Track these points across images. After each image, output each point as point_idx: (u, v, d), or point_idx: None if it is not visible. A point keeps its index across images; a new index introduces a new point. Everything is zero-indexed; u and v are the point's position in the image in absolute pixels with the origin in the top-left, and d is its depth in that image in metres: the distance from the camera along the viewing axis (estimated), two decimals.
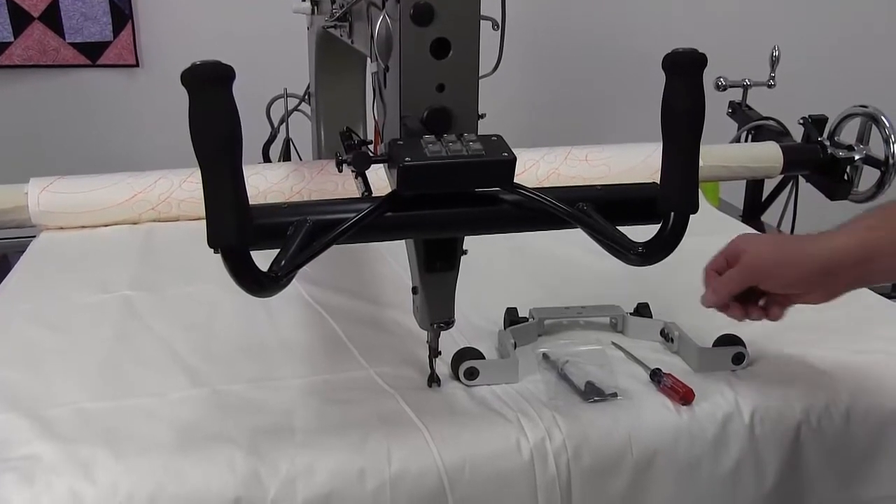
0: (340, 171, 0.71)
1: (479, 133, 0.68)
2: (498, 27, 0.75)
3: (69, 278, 1.11)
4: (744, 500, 0.82)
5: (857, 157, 1.49)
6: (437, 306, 0.78)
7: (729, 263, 0.80)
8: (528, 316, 0.95)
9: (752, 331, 0.86)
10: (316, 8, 1.23)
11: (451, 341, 0.88)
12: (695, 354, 0.87)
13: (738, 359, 0.87)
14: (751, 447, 0.81)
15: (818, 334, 0.92)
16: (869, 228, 0.76)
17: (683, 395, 0.81)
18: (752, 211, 1.69)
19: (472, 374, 0.83)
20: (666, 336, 0.92)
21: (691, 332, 0.89)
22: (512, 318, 0.95)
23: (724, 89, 1.68)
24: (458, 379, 0.84)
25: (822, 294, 0.78)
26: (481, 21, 0.67)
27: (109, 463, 0.71)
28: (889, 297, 1.08)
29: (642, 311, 0.96)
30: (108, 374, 0.87)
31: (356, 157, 0.67)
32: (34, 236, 1.29)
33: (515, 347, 0.88)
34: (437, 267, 0.75)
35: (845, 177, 1.50)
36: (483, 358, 0.84)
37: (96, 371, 0.87)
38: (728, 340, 0.88)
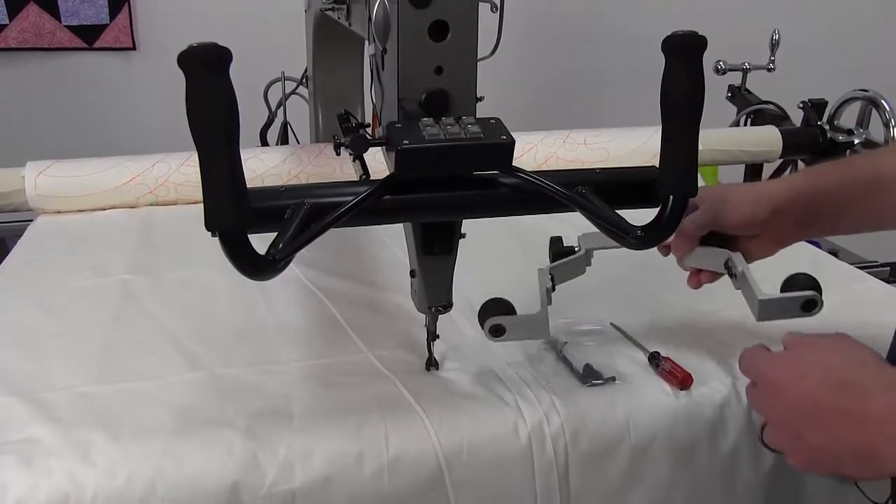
0: (338, 154, 0.71)
1: (477, 116, 0.67)
2: (496, 9, 0.74)
3: (67, 262, 1.11)
4: (741, 484, 0.82)
5: (856, 141, 1.49)
6: (435, 290, 0.78)
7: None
8: (576, 245, 0.88)
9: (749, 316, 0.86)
10: None
11: (450, 324, 0.88)
12: (755, 302, 0.79)
13: (809, 306, 0.79)
14: (748, 431, 0.81)
15: (820, 319, 0.92)
16: (814, 174, 0.82)
17: (682, 380, 0.81)
18: None
19: (497, 331, 0.79)
20: (730, 271, 0.82)
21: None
22: (557, 249, 0.88)
23: (724, 73, 1.68)
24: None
25: (772, 237, 0.82)
26: (480, 3, 0.67)
27: (108, 446, 0.71)
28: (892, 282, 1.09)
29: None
30: (107, 358, 0.87)
31: (354, 141, 0.67)
32: (31, 220, 1.29)
33: (554, 289, 0.84)
34: (436, 250, 0.75)
35: None
36: (513, 312, 0.80)
37: (94, 355, 0.87)
38: (800, 284, 0.79)
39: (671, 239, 0.80)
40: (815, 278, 0.79)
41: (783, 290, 0.80)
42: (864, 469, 0.60)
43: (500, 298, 0.80)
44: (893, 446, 0.56)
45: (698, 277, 0.86)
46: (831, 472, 0.66)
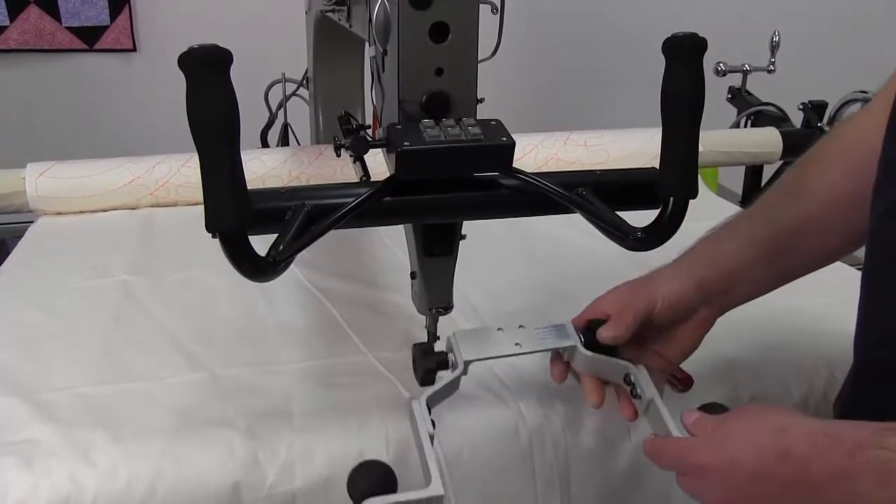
0: (339, 155, 0.71)
1: (477, 117, 0.67)
2: (497, 11, 0.74)
3: (67, 263, 1.11)
4: None
5: None
6: (435, 291, 0.78)
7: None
8: (446, 348, 0.76)
9: (751, 315, 0.86)
10: None
11: (451, 325, 0.88)
12: (659, 424, 0.70)
13: None
14: None
15: (818, 322, 0.92)
16: (723, 239, 0.78)
17: (683, 382, 0.81)
18: (751, 196, 1.68)
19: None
20: (633, 390, 0.73)
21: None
22: (428, 365, 0.75)
23: (724, 74, 1.68)
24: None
25: (698, 319, 0.76)
26: (480, 5, 0.67)
27: (109, 447, 0.72)
28: None
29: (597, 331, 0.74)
30: (107, 359, 0.87)
31: (354, 142, 0.67)
32: (32, 221, 1.29)
33: (434, 427, 0.69)
34: (436, 251, 0.75)
35: None
36: (391, 482, 0.64)
37: (95, 355, 0.87)
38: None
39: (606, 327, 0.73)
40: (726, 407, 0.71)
41: None
42: None
43: (376, 465, 0.65)
44: None
45: (596, 393, 0.75)
46: None
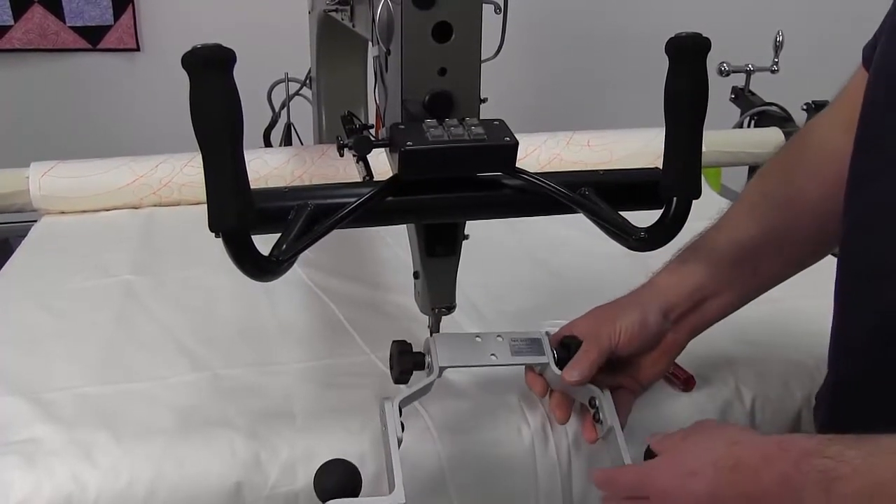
0: (342, 155, 0.71)
1: (481, 117, 0.67)
2: (500, 11, 0.74)
3: (70, 262, 1.11)
4: None
5: None
6: (438, 291, 0.78)
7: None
8: (423, 349, 0.75)
9: (753, 315, 0.86)
10: None
11: (453, 326, 0.88)
12: (615, 453, 0.71)
13: None
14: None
15: (819, 322, 0.92)
16: (692, 261, 0.78)
17: (685, 382, 0.81)
18: None
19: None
20: (595, 415, 0.74)
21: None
22: (404, 366, 0.74)
23: (727, 74, 1.67)
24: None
25: (664, 346, 0.77)
26: (483, 4, 0.67)
27: (110, 447, 0.72)
28: None
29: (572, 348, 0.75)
30: (109, 359, 0.87)
31: (357, 142, 0.67)
32: (35, 221, 1.29)
33: (404, 429, 0.69)
34: (439, 252, 0.75)
35: None
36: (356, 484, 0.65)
37: (97, 355, 0.87)
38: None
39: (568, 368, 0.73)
40: None
41: (648, 455, 0.70)
42: None
43: (341, 464, 0.66)
44: None
45: (561, 409, 0.76)
46: None
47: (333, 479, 0.64)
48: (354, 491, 0.64)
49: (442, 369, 0.73)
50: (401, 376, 0.75)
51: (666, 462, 0.64)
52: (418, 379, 0.73)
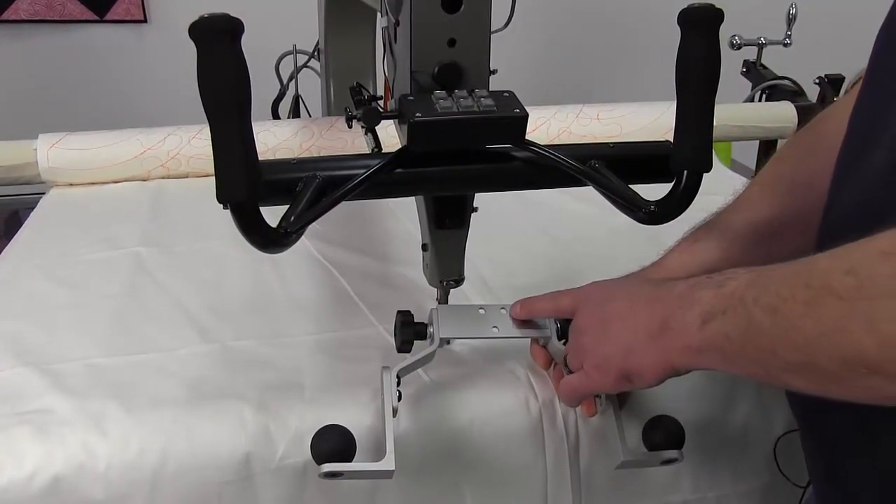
0: (350, 127, 0.70)
1: (490, 89, 0.67)
2: None
3: (79, 234, 1.11)
4: (753, 458, 0.82)
5: None
6: (446, 263, 0.78)
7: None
8: (426, 320, 0.76)
9: None
10: None
11: (461, 298, 0.88)
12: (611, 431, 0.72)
13: (668, 462, 0.72)
14: (759, 407, 0.81)
15: None
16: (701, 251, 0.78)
17: None
18: None
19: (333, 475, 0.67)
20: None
21: None
22: (406, 335, 0.75)
23: (739, 48, 1.66)
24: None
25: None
26: None
27: (121, 417, 0.72)
28: None
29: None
30: (119, 330, 0.87)
31: (366, 113, 0.67)
32: (44, 193, 1.29)
33: (400, 398, 0.71)
34: (447, 224, 0.75)
35: None
36: (351, 450, 0.67)
37: (107, 326, 0.88)
38: (664, 432, 0.72)
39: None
40: (678, 423, 0.73)
41: (646, 433, 0.73)
42: (644, 362, 0.62)
43: (336, 429, 0.68)
44: (680, 319, 0.59)
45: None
46: (613, 376, 0.65)
47: (328, 444, 0.67)
48: (348, 456, 0.66)
49: (443, 340, 0.74)
50: (403, 346, 0.76)
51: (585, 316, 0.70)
52: (421, 349, 0.74)
